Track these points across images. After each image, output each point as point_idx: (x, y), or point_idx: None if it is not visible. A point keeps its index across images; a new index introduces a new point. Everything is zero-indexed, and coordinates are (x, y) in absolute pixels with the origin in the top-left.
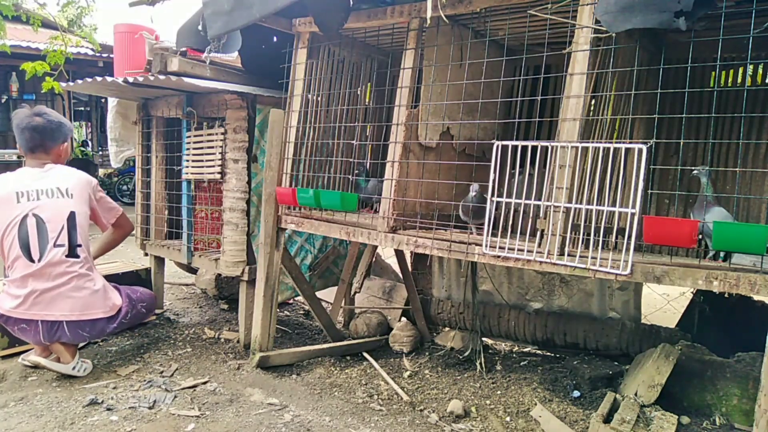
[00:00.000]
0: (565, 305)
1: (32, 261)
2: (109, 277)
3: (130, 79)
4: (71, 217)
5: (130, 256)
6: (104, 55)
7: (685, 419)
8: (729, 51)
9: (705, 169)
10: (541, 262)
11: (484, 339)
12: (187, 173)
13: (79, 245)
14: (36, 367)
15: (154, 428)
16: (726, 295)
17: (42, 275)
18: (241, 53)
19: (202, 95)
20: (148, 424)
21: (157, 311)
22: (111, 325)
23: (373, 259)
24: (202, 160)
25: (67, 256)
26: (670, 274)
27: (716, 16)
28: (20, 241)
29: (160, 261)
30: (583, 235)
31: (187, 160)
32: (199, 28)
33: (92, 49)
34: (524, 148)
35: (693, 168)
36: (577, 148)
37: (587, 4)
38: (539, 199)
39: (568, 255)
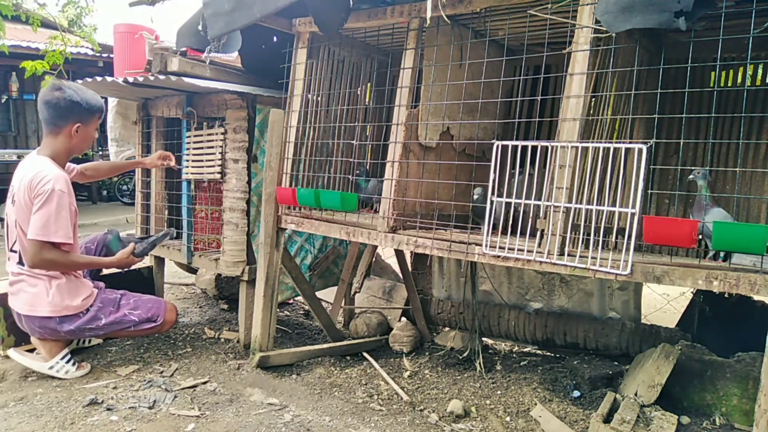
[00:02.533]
0: (565, 305)
1: (8, 259)
2: (111, 276)
3: (130, 79)
4: (17, 225)
5: None
6: (104, 55)
7: (685, 419)
8: (729, 51)
9: (702, 171)
10: (541, 262)
11: (484, 339)
12: (187, 173)
13: (22, 255)
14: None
15: (154, 428)
16: (726, 295)
17: (9, 272)
18: (241, 53)
19: (202, 95)
20: (148, 424)
21: None
22: (66, 324)
23: (373, 259)
24: (202, 160)
25: (17, 263)
26: (670, 274)
27: (716, 16)
28: (5, 236)
29: (160, 261)
30: (583, 235)
31: (187, 160)
32: (199, 28)
33: (92, 49)
34: (524, 148)
35: (693, 168)
36: (577, 148)
37: (587, 4)
38: (539, 199)
39: (568, 255)
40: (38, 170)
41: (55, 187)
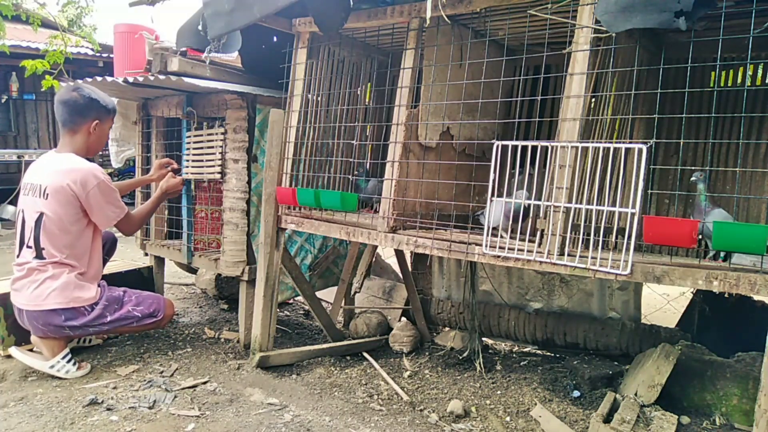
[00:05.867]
0: (565, 305)
1: (18, 256)
2: (112, 276)
3: (130, 79)
4: (39, 220)
5: (130, 256)
6: (104, 55)
7: (685, 419)
8: (729, 51)
9: (704, 174)
10: (541, 262)
11: (484, 339)
12: (187, 173)
13: (43, 248)
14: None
15: (154, 428)
16: (726, 295)
17: (18, 267)
18: (241, 53)
19: (202, 95)
20: (148, 424)
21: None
22: (72, 321)
23: (373, 259)
24: (202, 160)
25: (34, 257)
26: (670, 274)
27: (716, 16)
28: (17, 233)
29: (160, 261)
30: (583, 235)
31: (187, 160)
32: (199, 28)
33: (92, 49)
34: (524, 148)
35: (693, 168)
36: (577, 148)
37: (587, 4)
38: (539, 199)
39: (568, 255)
40: (75, 167)
41: (100, 177)
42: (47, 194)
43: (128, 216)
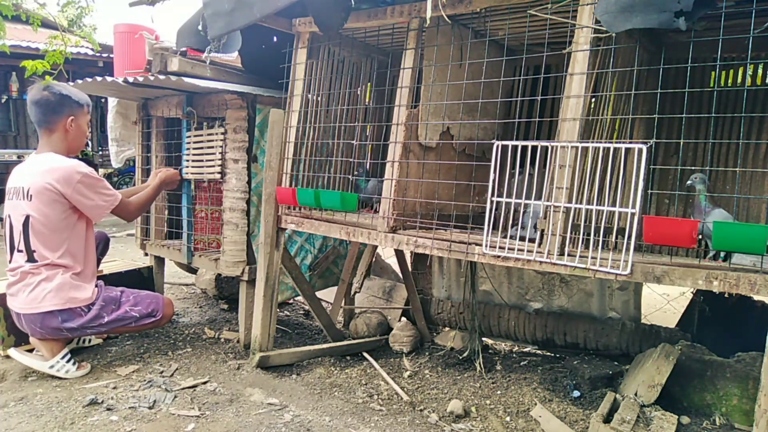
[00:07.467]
0: (565, 305)
1: (9, 261)
2: (111, 276)
3: (130, 79)
4: (26, 222)
5: (130, 256)
6: (104, 55)
7: (685, 419)
8: (729, 51)
9: (700, 176)
10: (541, 262)
11: (484, 339)
12: (187, 173)
13: (34, 251)
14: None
15: (154, 428)
16: (726, 295)
17: (11, 273)
18: (241, 53)
19: (202, 95)
20: (148, 424)
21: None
22: (69, 322)
23: (373, 259)
24: (202, 160)
25: (26, 261)
26: (670, 274)
27: (716, 16)
28: (7, 239)
29: (160, 261)
30: (583, 235)
31: (187, 160)
32: (199, 28)
33: (92, 49)
34: (524, 148)
35: (693, 168)
36: (577, 148)
37: (587, 4)
38: (539, 199)
39: (568, 255)
40: (56, 166)
41: (82, 171)
42: (31, 195)
43: (124, 202)
